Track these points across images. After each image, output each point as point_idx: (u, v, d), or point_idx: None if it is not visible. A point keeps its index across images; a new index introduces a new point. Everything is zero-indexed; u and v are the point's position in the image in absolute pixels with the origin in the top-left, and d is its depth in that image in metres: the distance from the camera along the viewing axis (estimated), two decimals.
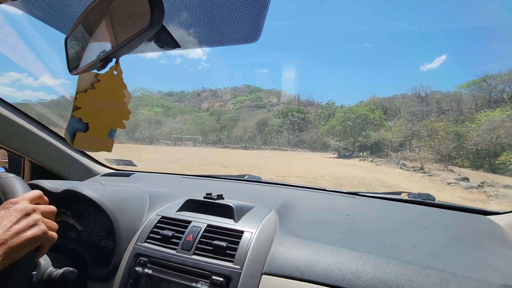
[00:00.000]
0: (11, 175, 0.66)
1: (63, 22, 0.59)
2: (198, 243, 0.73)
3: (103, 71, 0.49)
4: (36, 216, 0.50)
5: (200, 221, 0.79)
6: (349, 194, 1.18)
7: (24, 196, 0.54)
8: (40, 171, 1.19)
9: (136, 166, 1.56)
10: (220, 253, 0.70)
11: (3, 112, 1.00)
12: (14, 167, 1.16)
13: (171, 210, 0.87)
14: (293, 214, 0.92)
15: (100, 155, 1.38)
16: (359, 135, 28.24)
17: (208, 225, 0.77)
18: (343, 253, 0.69)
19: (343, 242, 0.75)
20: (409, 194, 1.17)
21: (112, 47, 0.47)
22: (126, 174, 1.32)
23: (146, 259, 0.73)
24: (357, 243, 0.74)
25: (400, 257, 0.67)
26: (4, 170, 1.16)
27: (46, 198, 0.58)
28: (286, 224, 0.84)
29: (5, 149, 1.13)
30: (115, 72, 0.50)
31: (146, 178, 1.32)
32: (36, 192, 0.56)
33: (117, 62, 0.50)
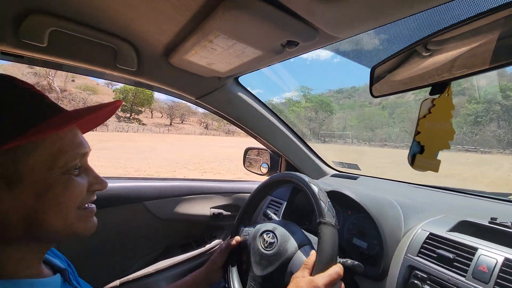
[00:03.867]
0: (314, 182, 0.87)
1: (366, 56, 0.69)
2: (497, 278, 0.63)
3: (437, 96, 0.52)
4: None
5: (490, 250, 0.68)
6: None
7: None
8: (289, 168, 1.53)
9: (360, 170, 1.64)
10: None
11: (273, 121, 1.35)
12: (273, 164, 1.56)
13: (438, 227, 0.82)
14: None
15: (328, 158, 1.56)
16: None
17: (506, 259, 0.65)
18: None
19: None
20: None
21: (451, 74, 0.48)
22: (353, 177, 1.41)
23: (424, 275, 0.73)
24: None
25: None
26: (266, 165, 1.60)
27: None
28: None
29: (269, 151, 1.55)
30: (447, 95, 0.52)
31: (372, 182, 1.35)
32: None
33: (449, 85, 0.52)
